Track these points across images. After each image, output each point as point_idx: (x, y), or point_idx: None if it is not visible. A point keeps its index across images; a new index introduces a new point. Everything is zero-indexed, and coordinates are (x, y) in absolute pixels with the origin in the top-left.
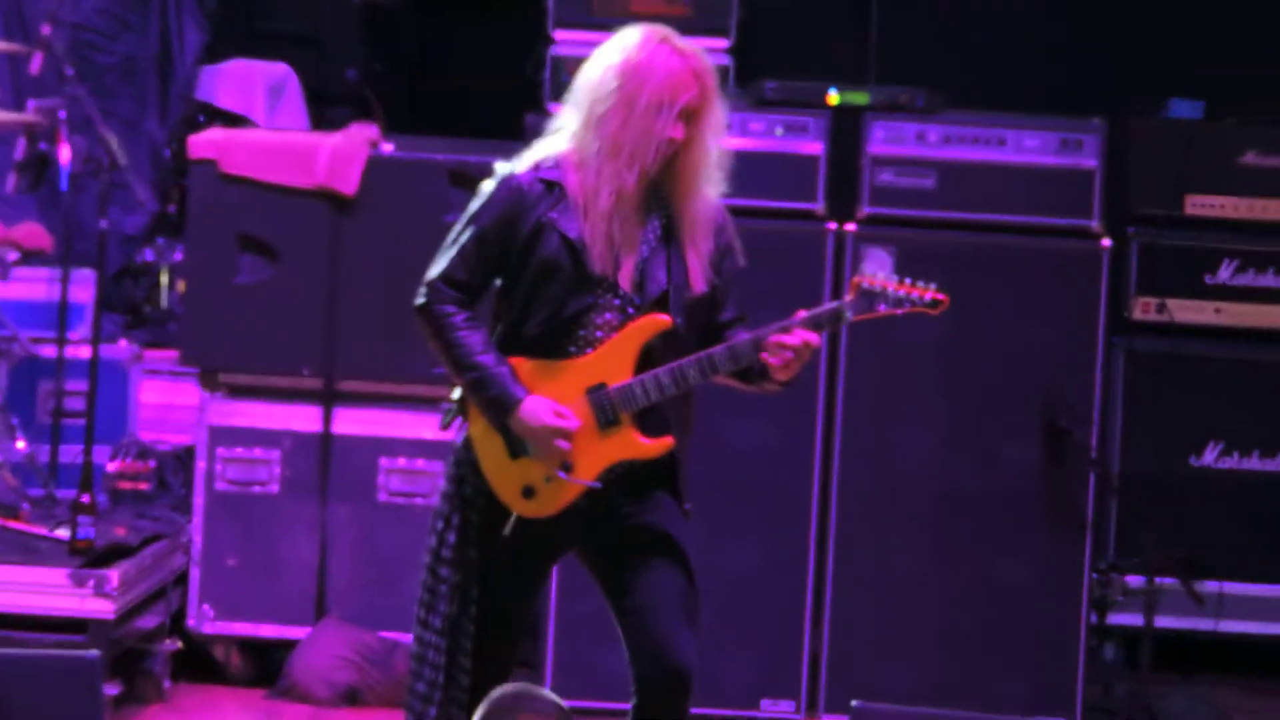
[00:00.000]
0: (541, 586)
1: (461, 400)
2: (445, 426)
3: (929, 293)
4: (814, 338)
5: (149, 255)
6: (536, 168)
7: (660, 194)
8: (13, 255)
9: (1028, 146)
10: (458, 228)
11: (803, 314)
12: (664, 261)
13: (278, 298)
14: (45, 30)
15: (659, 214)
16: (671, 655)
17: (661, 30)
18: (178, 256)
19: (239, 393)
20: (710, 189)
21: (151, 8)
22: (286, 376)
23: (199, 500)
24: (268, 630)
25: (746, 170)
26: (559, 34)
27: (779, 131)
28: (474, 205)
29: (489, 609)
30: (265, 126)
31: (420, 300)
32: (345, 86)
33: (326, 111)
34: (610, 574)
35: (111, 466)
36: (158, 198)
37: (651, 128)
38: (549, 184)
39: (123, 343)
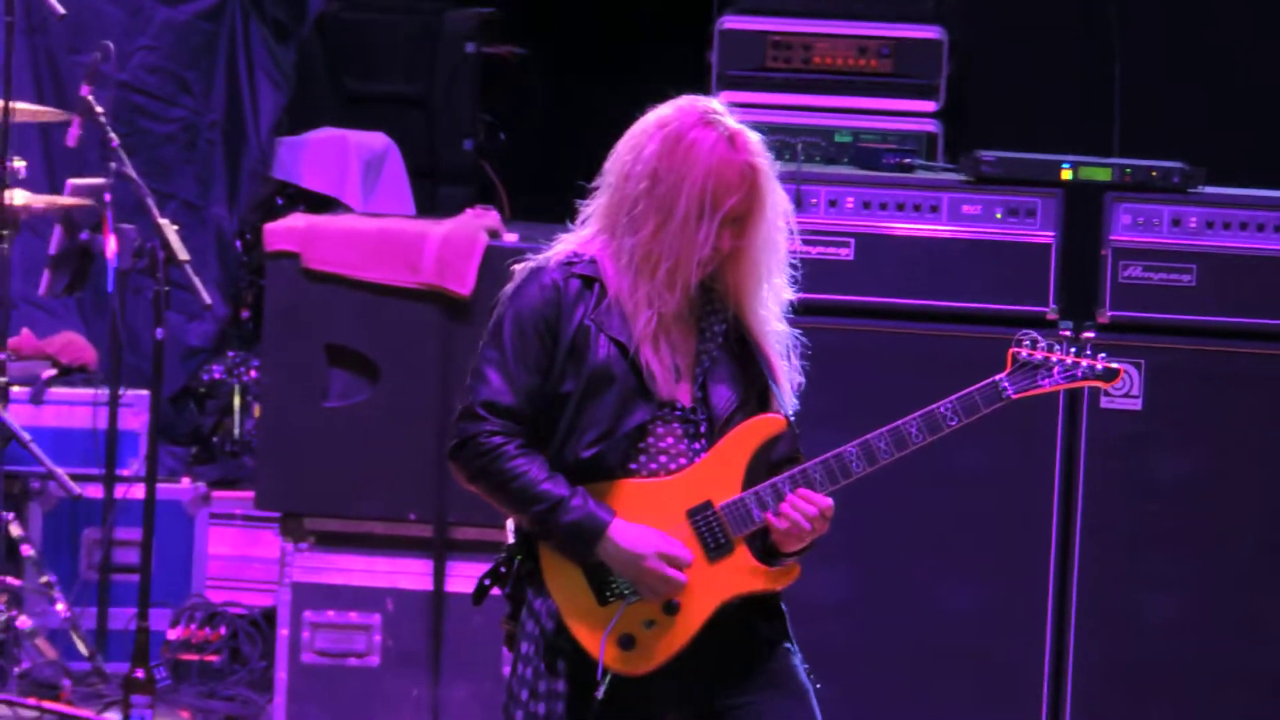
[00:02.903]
0: None
1: (523, 546)
2: (499, 581)
3: (1100, 361)
4: (828, 503)
5: (217, 372)
6: (570, 263)
7: (718, 300)
8: (48, 373)
9: None
10: (485, 345)
11: (950, 401)
12: (729, 374)
13: (377, 424)
14: (85, 92)
15: (719, 317)
16: None
17: (707, 110)
18: (253, 374)
19: (329, 542)
20: (772, 295)
21: (216, 63)
22: (388, 522)
23: (281, 675)
24: None
25: (957, 263)
26: (724, 95)
27: (999, 215)
28: (499, 314)
29: None
30: (360, 211)
31: (458, 438)
32: (459, 160)
33: (436, 192)
34: None
35: (173, 634)
36: (227, 301)
37: (691, 240)
38: (587, 280)
39: (185, 481)
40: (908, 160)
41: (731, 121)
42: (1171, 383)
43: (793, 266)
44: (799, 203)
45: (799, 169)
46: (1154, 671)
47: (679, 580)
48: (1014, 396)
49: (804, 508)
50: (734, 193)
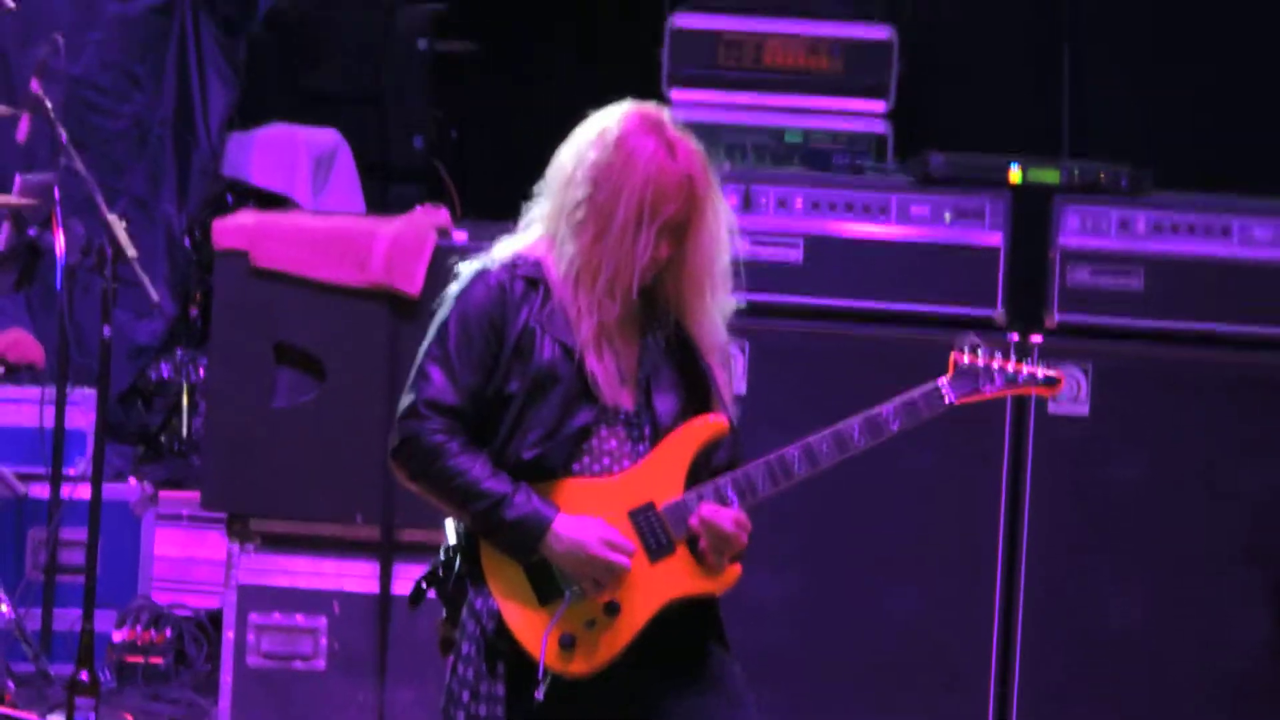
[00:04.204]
0: None
1: (461, 547)
2: (437, 583)
3: (1042, 370)
4: (745, 520)
5: (165, 371)
6: (514, 265)
7: (659, 307)
8: None
9: (1259, 238)
10: (430, 344)
11: (891, 404)
12: (672, 380)
13: (324, 424)
14: (35, 87)
15: (661, 325)
16: None
17: (649, 116)
18: (201, 373)
19: (276, 544)
20: (715, 305)
21: (167, 59)
22: (335, 524)
23: (226, 678)
24: None
25: (905, 265)
26: (676, 94)
27: (948, 217)
28: (444, 314)
29: None
30: (310, 209)
31: (400, 436)
32: (410, 158)
33: (387, 190)
34: None
35: (118, 635)
36: (175, 299)
37: (631, 249)
38: (531, 281)
39: (132, 481)
40: (858, 162)
41: (674, 130)
42: (1119, 387)
43: (737, 271)
44: (748, 203)
45: (749, 169)
46: (1101, 676)
47: (623, 566)
48: (955, 402)
49: (717, 522)
50: (672, 202)
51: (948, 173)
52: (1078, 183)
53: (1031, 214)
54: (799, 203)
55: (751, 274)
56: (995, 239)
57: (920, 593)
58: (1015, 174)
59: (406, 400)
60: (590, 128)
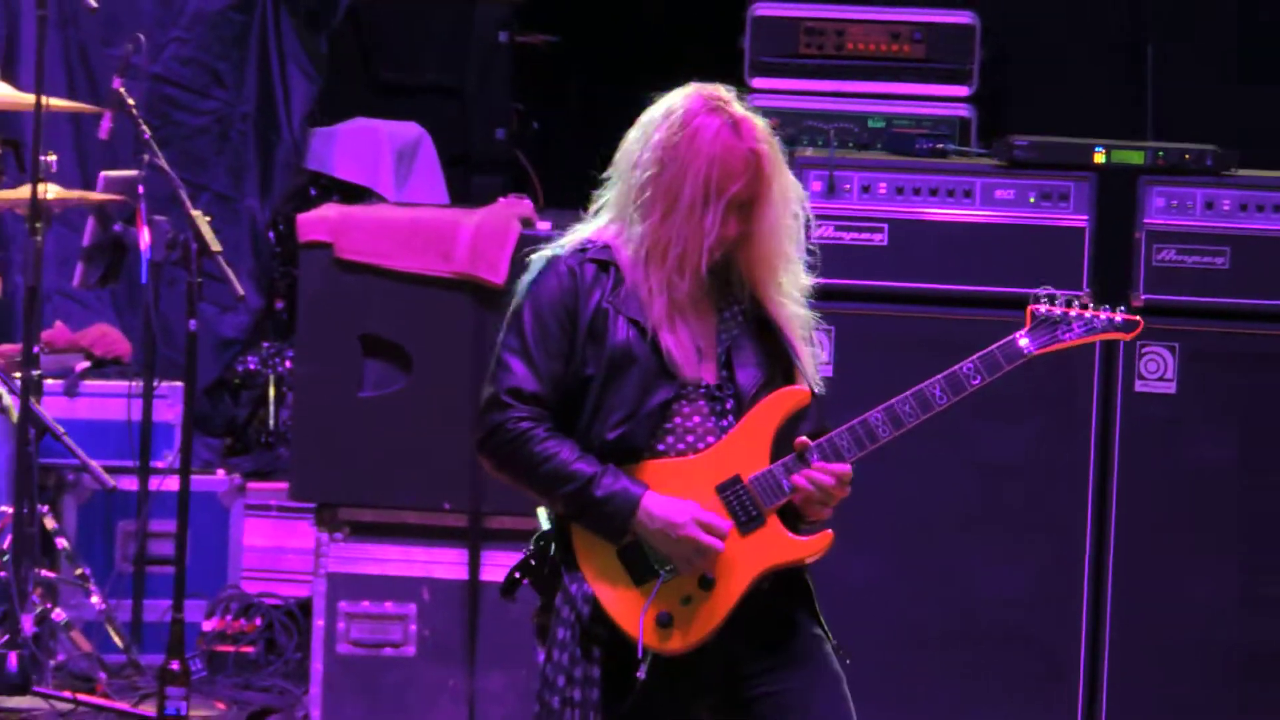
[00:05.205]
0: None
1: (556, 533)
2: (531, 571)
3: (1120, 314)
4: (845, 468)
5: (252, 364)
6: (583, 250)
7: (735, 281)
8: (82, 365)
9: None
10: (506, 335)
11: (971, 360)
12: (752, 352)
13: (411, 414)
14: (116, 85)
15: (736, 302)
16: None
17: (713, 96)
18: (287, 365)
19: (364, 533)
20: (788, 280)
21: (248, 54)
22: (423, 512)
23: (316, 666)
24: None
25: (990, 248)
26: (757, 82)
27: (1033, 199)
28: (518, 304)
29: None
30: (393, 201)
31: (485, 428)
32: (492, 149)
33: (469, 181)
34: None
35: (208, 625)
36: (260, 292)
37: (699, 227)
38: (602, 264)
39: (220, 473)
40: (941, 145)
41: (738, 108)
42: (1205, 365)
43: (811, 253)
44: (832, 189)
45: (832, 155)
46: (1190, 654)
47: (716, 547)
48: (1035, 352)
49: (821, 478)
50: (738, 179)
51: (1032, 156)
52: (1162, 163)
53: (1117, 195)
54: (883, 188)
55: (836, 259)
56: (1081, 220)
57: (1009, 573)
58: (1100, 155)
59: (488, 391)
60: (655, 110)
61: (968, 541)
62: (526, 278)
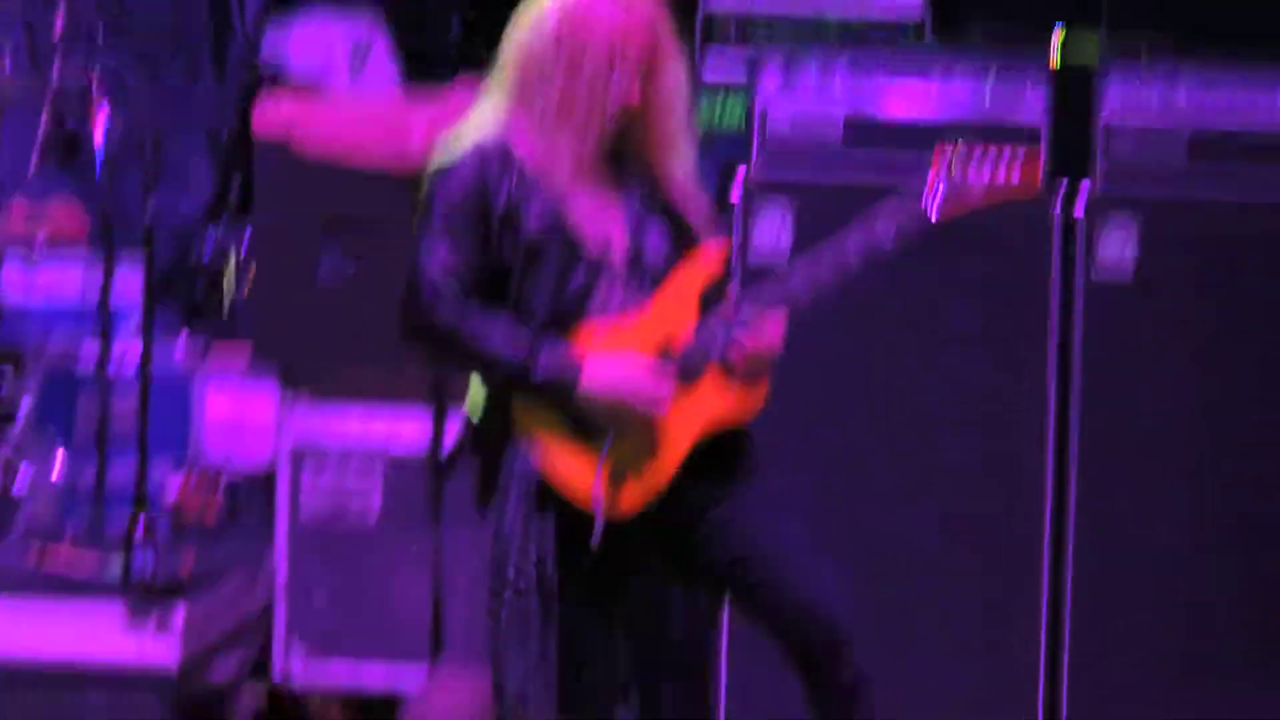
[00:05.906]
0: (622, 612)
1: (493, 407)
2: (472, 446)
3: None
4: (779, 320)
5: (209, 243)
6: (481, 150)
7: (630, 165)
8: (41, 234)
9: None
10: (423, 224)
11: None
12: (658, 228)
13: (370, 295)
14: None
15: (636, 184)
16: (819, 616)
17: None
18: (244, 250)
19: (328, 396)
20: (684, 158)
21: None
22: (385, 377)
23: (281, 534)
24: (372, 677)
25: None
26: None
27: (988, 99)
28: (430, 193)
29: (577, 645)
30: (348, 93)
31: (413, 310)
32: (448, 42)
33: (425, 74)
34: (716, 566)
35: (172, 493)
36: (217, 179)
37: (605, 90)
38: (504, 154)
39: (182, 341)
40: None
41: None
42: (1161, 255)
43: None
44: (785, 84)
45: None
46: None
47: (665, 397)
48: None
49: (757, 326)
50: (638, 45)
51: (987, 46)
52: (1118, 56)
53: (1073, 91)
54: (838, 83)
55: (790, 154)
56: (1037, 116)
57: (968, 489)
58: (1056, 49)
59: (413, 275)
60: (542, 5)
61: (923, 465)
62: (432, 168)
